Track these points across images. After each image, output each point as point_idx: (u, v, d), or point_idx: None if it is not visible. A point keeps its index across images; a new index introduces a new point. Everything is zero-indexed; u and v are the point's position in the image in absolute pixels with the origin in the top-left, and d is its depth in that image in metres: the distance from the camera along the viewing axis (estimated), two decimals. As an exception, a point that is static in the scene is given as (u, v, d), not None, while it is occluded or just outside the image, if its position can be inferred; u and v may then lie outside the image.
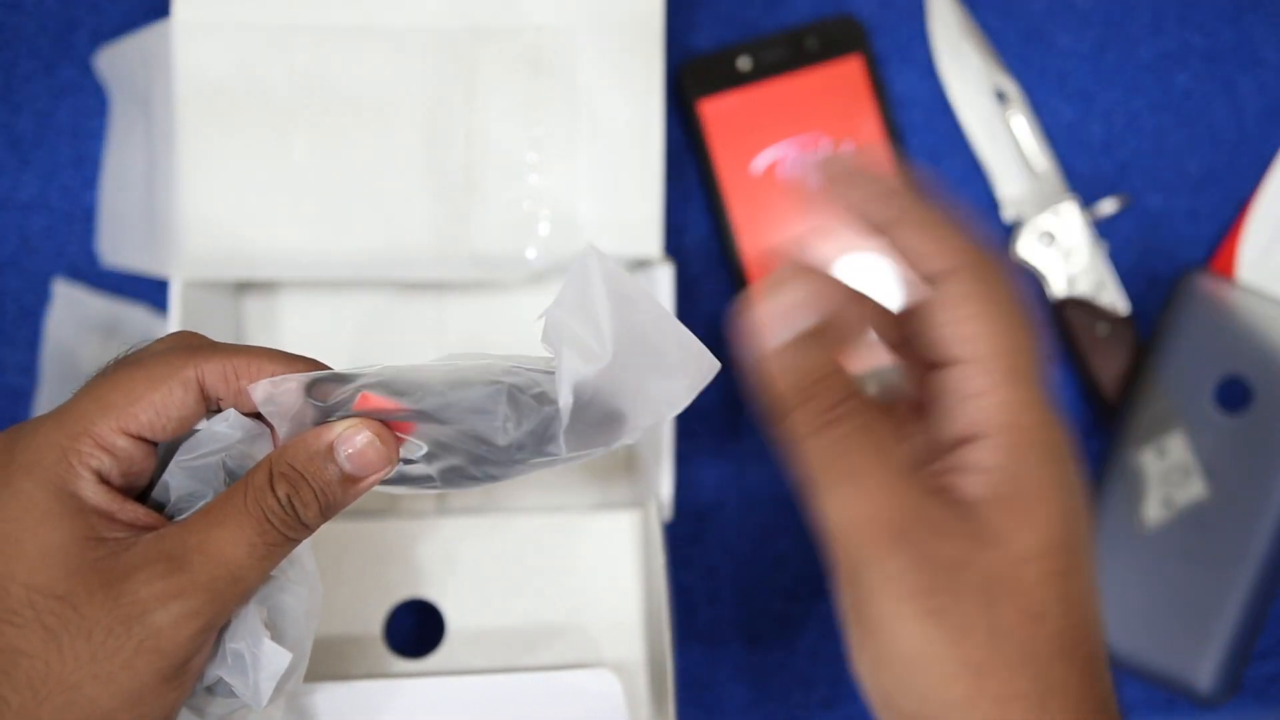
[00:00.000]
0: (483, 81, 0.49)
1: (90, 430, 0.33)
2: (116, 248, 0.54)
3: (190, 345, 0.35)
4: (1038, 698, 0.31)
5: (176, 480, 0.35)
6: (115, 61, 0.53)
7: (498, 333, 0.53)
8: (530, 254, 0.49)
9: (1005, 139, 0.56)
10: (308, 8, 0.48)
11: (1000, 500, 0.31)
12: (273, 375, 0.34)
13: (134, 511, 0.34)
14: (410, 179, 0.49)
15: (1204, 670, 0.53)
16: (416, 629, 0.50)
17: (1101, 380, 0.55)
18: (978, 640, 0.30)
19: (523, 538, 0.48)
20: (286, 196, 0.48)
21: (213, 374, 0.34)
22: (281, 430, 0.35)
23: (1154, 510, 0.53)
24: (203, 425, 0.35)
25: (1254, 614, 0.53)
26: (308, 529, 0.34)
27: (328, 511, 0.34)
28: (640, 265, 0.51)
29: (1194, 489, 0.53)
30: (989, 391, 0.31)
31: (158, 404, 0.33)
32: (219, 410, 0.35)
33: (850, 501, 0.32)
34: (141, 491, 0.35)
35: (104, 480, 0.33)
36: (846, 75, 0.56)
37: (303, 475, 0.33)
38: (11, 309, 0.55)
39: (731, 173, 0.56)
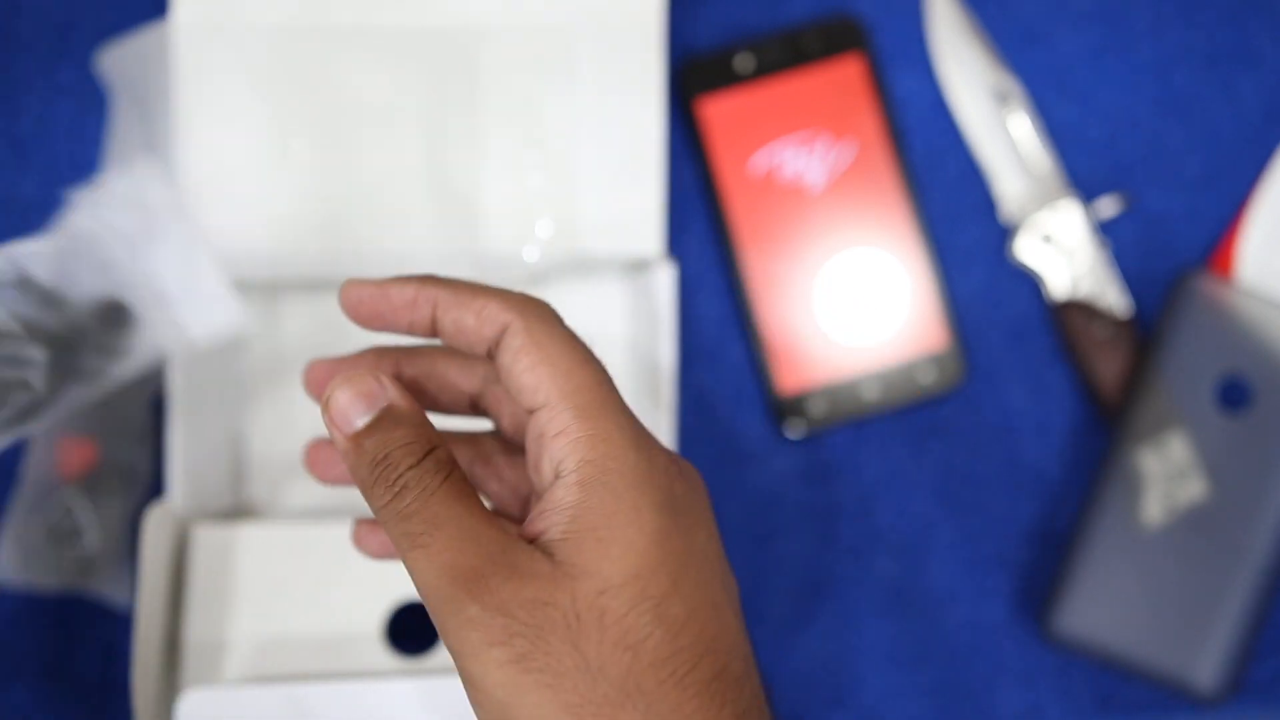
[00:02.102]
0: (483, 81, 0.49)
1: None
2: (116, 248, 0.54)
3: None
4: None
5: None
6: (116, 62, 0.53)
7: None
8: (530, 255, 0.49)
9: (1005, 139, 0.56)
10: (308, 8, 0.48)
11: (577, 536, 0.31)
12: None
13: None
14: (410, 179, 0.49)
15: (1204, 669, 0.53)
16: (416, 629, 0.50)
17: (1101, 381, 0.55)
18: (573, 681, 0.29)
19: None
20: (286, 197, 0.48)
21: None
22: None
23: (1154, 510, 0.53)
24: None
25: (1254, 613, 0.53)
26: None
27: None
28: (640, 265, 0.51)
29: (1194, 489, 0.53)
30: (563, 432, 0.32)
31: None
32: None
33: (432, 553, 0.31)
34: None
35: None
36: (846, 75, 0.56)
37: None
38: (11, 309, 0.55)
39: (731, 173, 0.56)
